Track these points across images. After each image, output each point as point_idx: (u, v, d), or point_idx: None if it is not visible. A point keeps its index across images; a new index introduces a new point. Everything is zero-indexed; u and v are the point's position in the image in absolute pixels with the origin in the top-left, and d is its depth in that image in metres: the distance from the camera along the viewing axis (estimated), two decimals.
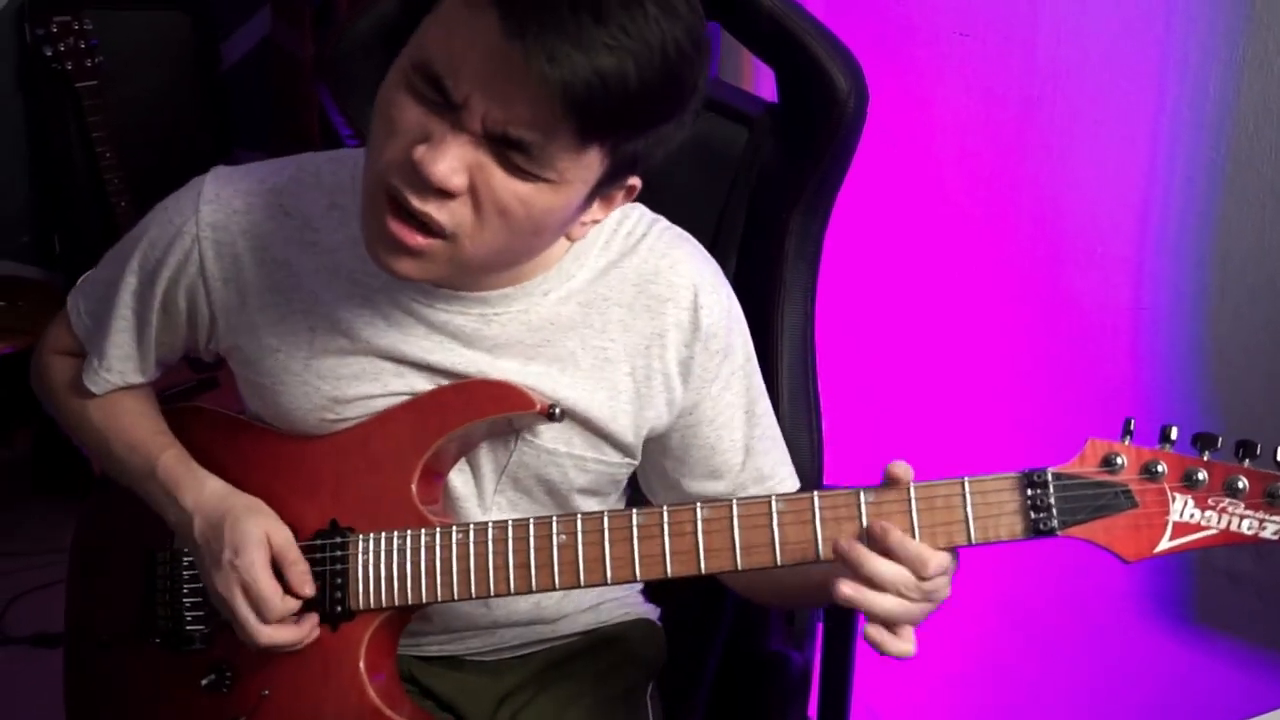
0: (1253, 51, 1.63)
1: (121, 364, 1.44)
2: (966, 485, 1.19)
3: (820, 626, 1.65)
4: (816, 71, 1.59)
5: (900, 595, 1.17)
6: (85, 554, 1.58)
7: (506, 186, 1.14)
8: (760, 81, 2.13)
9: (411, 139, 1.13)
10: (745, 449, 1.42)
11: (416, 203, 1.14)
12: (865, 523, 1.20)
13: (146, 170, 2.93)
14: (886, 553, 1.17)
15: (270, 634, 1.32)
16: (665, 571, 1.25)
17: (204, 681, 1.41)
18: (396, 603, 1.33)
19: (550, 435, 1.36)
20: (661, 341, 1.35)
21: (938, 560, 1.17)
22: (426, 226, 1.16)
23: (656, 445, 1.42)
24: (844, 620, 1.57)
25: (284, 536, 1.34)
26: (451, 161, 1.12)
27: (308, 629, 1.33)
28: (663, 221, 1.39)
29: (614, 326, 1.35)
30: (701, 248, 1.40)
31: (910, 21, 2.03)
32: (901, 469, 1.20)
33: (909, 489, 1.20)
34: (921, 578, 1.17)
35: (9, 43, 3.24)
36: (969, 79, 1.97)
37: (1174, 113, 1.73)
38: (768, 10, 1.62)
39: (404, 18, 1.64)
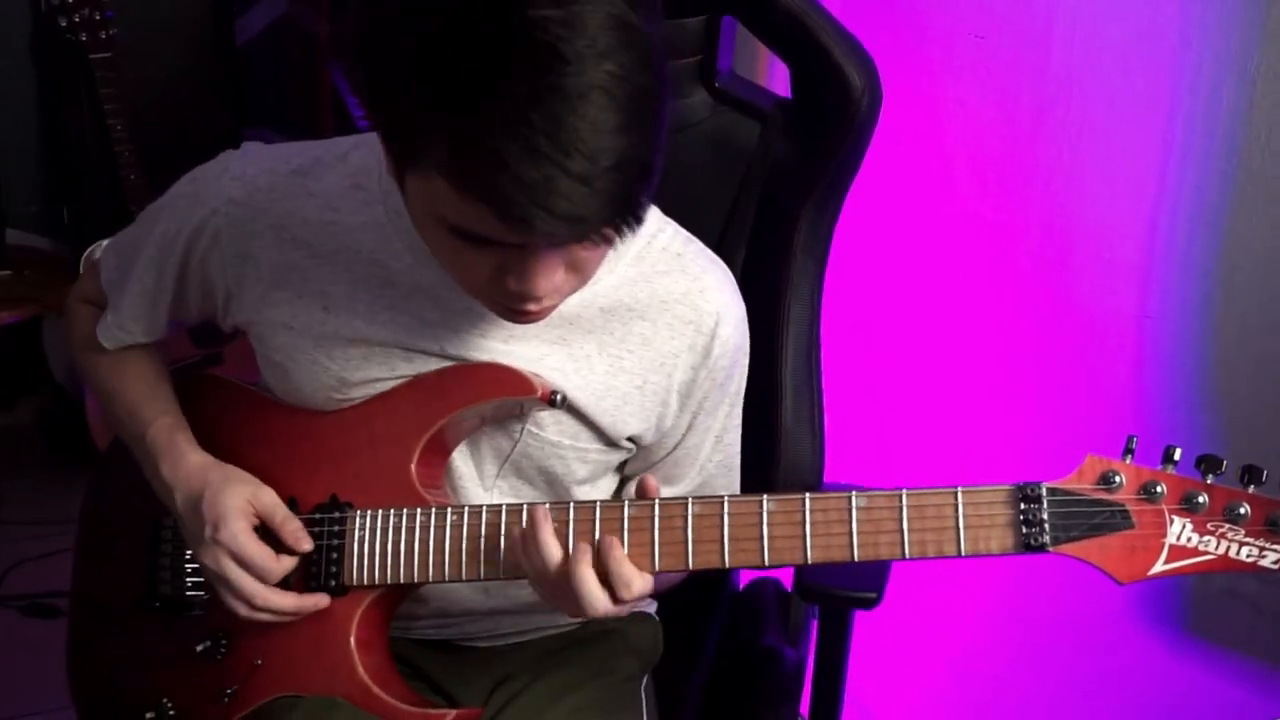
0: (1267, 63, 1.62)
1: (134, 324, 1.46)
2: (959, 496, 1.17)
3: (814, 624, 1.65)
4: (832, 69, 1.59)
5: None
6: (93, 524, 1.59)
7: (590, 254, 1.16)
8: (774, 77, 2.13)
9: (492, 274, 1.14)
10: (700, 469, 1.44)
11: (533, 307, 1.17)
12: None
13: (159, 144, 2.93)
14: (600, 564, 1.21)
15: (268, 597, 1.32)
16: (653, 565, 1.24)
17: (199, 648, 1.41)
18: (389, 580, 1.33)
19: (556, 429, 1.37)
20: (674, 361, 1.36)
21: (641, 585, 1.21)
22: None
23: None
24: (839, 618, 1.58)
25: (268, 498, 1.35)
26: (548, 279, 1.13)
27: (310, 600, 1.34)
28: (696, 242, 1.40)
29: (633, 339, 1.35)
30: (730, 275, 1.41)
31: (926, 22, 2.03)
32: None
33: (900, 496, 1.19)
34: (618, 598, 1.21)
35: (23, 12, 3.24)
36: (982, 82, 1.97)
37: (1186, 122, 1.73)
38: (785, 6, 1.62)
39: None
